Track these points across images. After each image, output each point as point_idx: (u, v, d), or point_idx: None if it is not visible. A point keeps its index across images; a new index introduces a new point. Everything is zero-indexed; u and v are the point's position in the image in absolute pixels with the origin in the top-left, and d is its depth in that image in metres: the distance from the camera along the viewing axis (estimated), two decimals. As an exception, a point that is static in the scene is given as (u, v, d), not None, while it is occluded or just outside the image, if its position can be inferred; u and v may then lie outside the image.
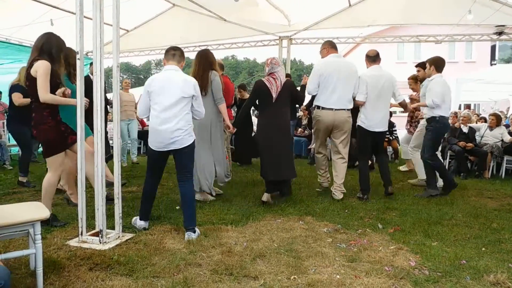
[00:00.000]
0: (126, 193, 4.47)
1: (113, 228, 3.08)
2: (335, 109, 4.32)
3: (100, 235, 2.90)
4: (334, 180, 4.46)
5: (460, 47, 19.96)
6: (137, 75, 53.74)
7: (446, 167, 6.61)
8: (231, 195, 4.52)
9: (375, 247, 2.91)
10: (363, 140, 4.57)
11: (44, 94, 3.12)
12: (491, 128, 6.71)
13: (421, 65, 5.44)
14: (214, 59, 4.25)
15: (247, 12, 6.83)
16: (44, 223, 3.00)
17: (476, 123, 8.60)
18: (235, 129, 4.42)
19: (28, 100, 4.77)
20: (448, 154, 6.71)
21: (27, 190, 4.90)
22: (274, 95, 4.09)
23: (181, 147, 3.13)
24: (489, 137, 6.63)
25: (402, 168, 6.71)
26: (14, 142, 7.53)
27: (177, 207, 3.96)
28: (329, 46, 4.53)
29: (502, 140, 6.51)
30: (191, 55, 7.94)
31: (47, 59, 3.18)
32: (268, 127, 4.14)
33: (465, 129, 6.68)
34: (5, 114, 7.80)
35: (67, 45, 3.47)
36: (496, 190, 5.21)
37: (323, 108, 4.38)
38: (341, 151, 4.46)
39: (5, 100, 7.84)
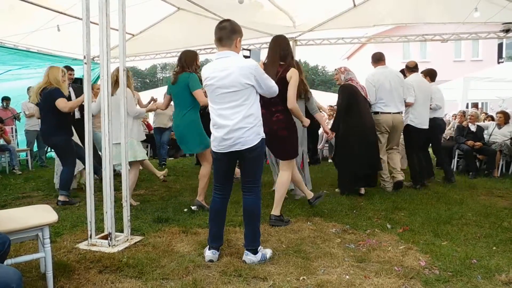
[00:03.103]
0: (134, 196, 4.48)
1: (121, 231, 3.11)
2: (393, 113, 4.85)
3: (109, 238, 2.92)
4: (393, 167, 4.95)
5: (467, 46, 19.66)
6: (143, 79, 54.09)
7: (454, 166, 6.61)
8: (239, 197, 4.50)
9: (384, 247, 2.89)
10: (411, 137, 5.22)
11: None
12: (499, 126, 6.63)
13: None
14: None
15: (251, 14, 6.83)
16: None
17: (484, 121, 8.50)
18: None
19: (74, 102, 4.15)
20: (457, 154, 6.65)
21: (36, 194, 4.95)
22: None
23: (244, 149, 2.54)
24: (498, 135, 6.55)
25: None
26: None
27: (185, 210, 3.97)
28: (375, 59, 5.03)
29: (511, 138, 6.42)
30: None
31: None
32: (358, 127, 4.52)
33: (473, 128, 6.61)
34: (14, 120, 7.90)
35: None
36: (506, 189, 5.16)
37: (381, 113, 4.86)
38: (394, 146, 5.05)
39: (13, 105, 7.96)
